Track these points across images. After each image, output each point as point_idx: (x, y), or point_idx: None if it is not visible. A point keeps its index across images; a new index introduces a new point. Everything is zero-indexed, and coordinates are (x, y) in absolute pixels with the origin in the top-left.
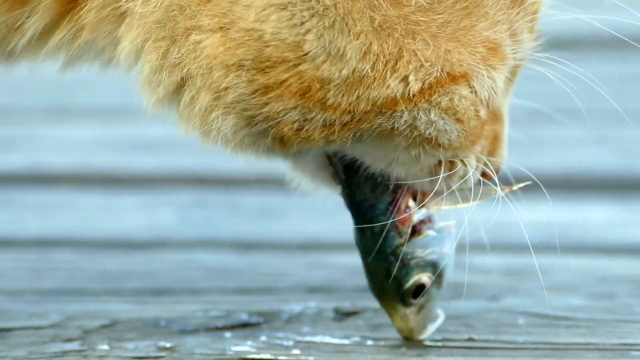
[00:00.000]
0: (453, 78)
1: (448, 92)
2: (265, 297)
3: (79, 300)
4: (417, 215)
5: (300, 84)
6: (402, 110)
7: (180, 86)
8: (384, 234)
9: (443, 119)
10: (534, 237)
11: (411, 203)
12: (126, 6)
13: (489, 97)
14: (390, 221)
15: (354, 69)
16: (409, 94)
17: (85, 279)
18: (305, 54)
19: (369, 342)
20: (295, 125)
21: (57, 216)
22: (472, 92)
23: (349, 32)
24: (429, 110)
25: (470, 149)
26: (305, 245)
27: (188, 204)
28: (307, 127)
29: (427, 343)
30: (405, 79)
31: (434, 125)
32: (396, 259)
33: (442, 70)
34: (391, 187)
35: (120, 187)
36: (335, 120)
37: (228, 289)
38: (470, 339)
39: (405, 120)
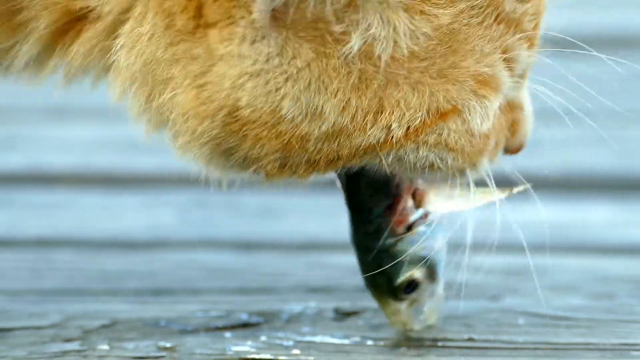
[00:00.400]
0: (441, 116)
1: (435, 130)
2: (265, 297)
3: (79, 300)
4: (414, 215)
5: (280, 140)
6: (387, 151)
7: (165, 123)
8: (384, 234)
9: (433, 152)
10: (534, 237)
11: (409, 203)
12: (113, 58)
13: (481, 124)
14: (387, 224)
15: (333, 123)
16: (391, 140)
17: (85, 279)
18: (283, 117)
19: (369, 342)
20: (278, 164)
21: (57, 216)
22: (463, 122)
23: (326, 90)
24: (417, 148)
25: (475, 161)
26: (305, 245)
27: (188, 204)
28: (290, 164)
29: (427, 343)
30: (387, 127)
31: (424, 158)
32: (389, 257)
33: (427, 113)
34: (392, 192)
35: (120, 187)
36: (320, 159)
37: (228, 289)
38: (470, 339)
39: (393, 158)
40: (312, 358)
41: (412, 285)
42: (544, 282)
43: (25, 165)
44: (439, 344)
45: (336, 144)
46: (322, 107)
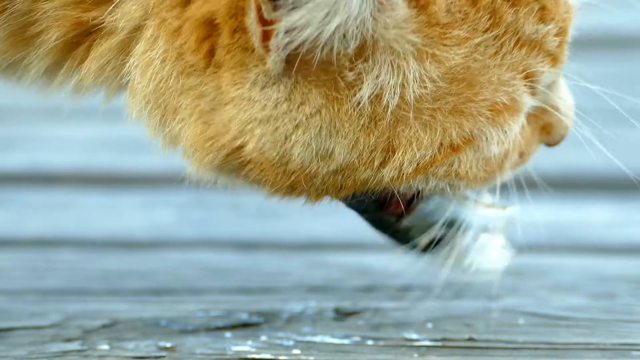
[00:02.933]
0: (453, 150)
1: (445, 163)
2: (266, 297)
3: (79, 300)
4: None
5: (285, 176)
6: (408, 181)
7: (177, 146)
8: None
9: (443, 182)
10: (534, 237)
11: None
12: (127, 78)
13: (498, 149)
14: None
15: (342, 161)
16: (402, 176)
17: (85, 279)
18: (292, 162)
19: (369, 342)
20: (284, 190)
21: (57, 216)
22: (476, 151)
23: (337, 134)
24: (426, 179)
25: (489, 182)
26: (305, 245)
27: (188, 204)
28: (298, 190)
29: (427, 343)
30: (399, 167)
31: (435, 186)
32: (399, 233)
33: (439, 150)
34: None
35: (120, 187)
36: (327, 188)
37: (228, 289)
38: (470, 339)
39: (404, 186)
40: (312, 358)
41: (436, 243)
42: (544, 282)
43: (25, 165)
44: (439, 344)
45: (342, 176)
46: (332, 149)
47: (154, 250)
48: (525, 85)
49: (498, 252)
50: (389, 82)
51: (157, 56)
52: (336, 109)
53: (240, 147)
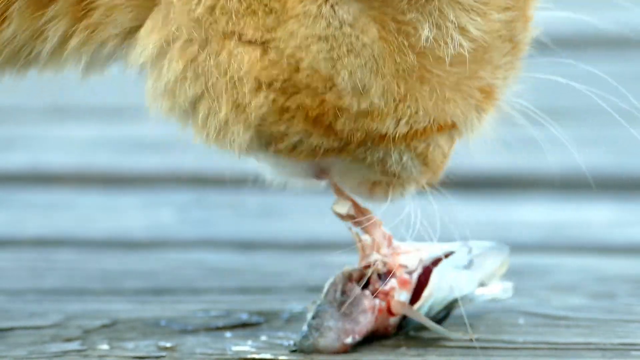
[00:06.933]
0: (440, 128)
1: (428, 140)
2: (266, 296)
3: (79, 300)
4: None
5: (319, 110)
6: (382, 146)
7: (200, 97)
8: None
9: (412, 160)
10: (534, 237)
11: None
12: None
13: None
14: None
15: (371, 103)
16: (394, 135)
17: (85, 278)
18: (334, 86)
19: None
20: (290, 147)
21: (57, 216)
22: (450, 140)
23: (377, 72)
24: (404, 152)
25: (433, 180)
26: (305, 245)
27: (188, 203)
28: (298, 149)
29: (427, 343)
30: (398, 121)
31: (401, 164)
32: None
33: (433, 121)
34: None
35: (120, 187)
36: (322, 145)
37: (228, 289)
38: (470, 339)
39: (379, 157)
40: (312, 358)
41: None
42: (544, 282)
43: (25, 165)
44: (439, 343)
45: (359, 124)
46: (369, 86)
47: (154, 250)
48: (503, 79)
49: (498, 290)
50: (441, 33)
51: None
52: (384, 47)
53: (294, 68)
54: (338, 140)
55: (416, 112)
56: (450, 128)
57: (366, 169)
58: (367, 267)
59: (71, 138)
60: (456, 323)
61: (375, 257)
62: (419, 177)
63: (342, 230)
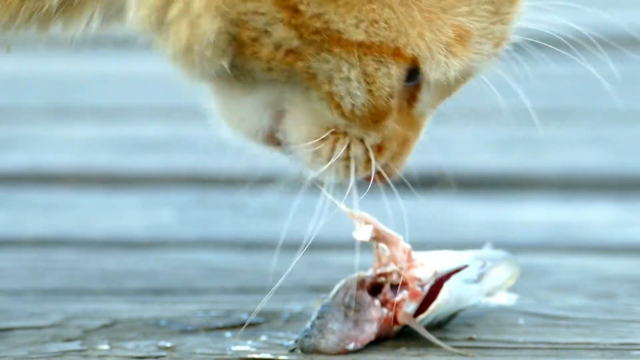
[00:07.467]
0: (397, 54)
1: (380, 62)
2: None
3: (79, 300)
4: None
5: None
6: (332, 52)
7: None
8: None
9: (359, 81)
10: (534, 237)
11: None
12: None
13: (436, 83)
14: None
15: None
16: (350, 39)
17: (85, 278)
18: None
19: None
20: (254, 34)
21: (57, 216)
22: (400, 76)
23: None
24: (353, 66)
25: (363, 132)
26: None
27: (188, 203)
28: (262, 41)
29: (427, 343)
30: (357, 24)
31: (347, 83)
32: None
33: (392, 40)
34: None
35: (120, 187)
36: (283, 43)
37: (228, 289)
38: (470, 339)
39: (329, 68)
40: (312, 358)
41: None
42: (544, 282)
43: (25, 165)
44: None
45: (322, 10)
46: None
47: (154, 250)
48: (479, 37)
49: (503, 300)
50: None
51: None
52: None
53: None
54: (298, 36)
55: (378, 21)
56: (408, 60)
57: (318, 108)
58: (381, 275)
59: (71, 138)
60: (456, 323)
61: (392, 268)
62: (362, 112)
63: (342, 230)
